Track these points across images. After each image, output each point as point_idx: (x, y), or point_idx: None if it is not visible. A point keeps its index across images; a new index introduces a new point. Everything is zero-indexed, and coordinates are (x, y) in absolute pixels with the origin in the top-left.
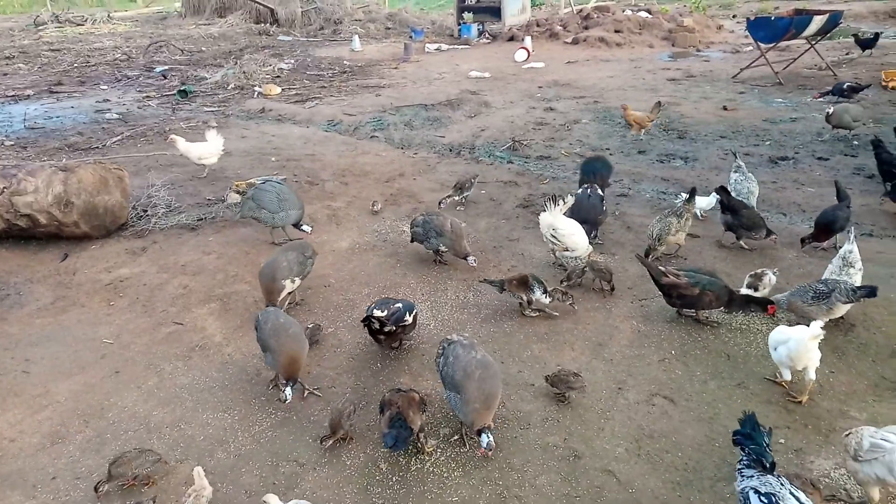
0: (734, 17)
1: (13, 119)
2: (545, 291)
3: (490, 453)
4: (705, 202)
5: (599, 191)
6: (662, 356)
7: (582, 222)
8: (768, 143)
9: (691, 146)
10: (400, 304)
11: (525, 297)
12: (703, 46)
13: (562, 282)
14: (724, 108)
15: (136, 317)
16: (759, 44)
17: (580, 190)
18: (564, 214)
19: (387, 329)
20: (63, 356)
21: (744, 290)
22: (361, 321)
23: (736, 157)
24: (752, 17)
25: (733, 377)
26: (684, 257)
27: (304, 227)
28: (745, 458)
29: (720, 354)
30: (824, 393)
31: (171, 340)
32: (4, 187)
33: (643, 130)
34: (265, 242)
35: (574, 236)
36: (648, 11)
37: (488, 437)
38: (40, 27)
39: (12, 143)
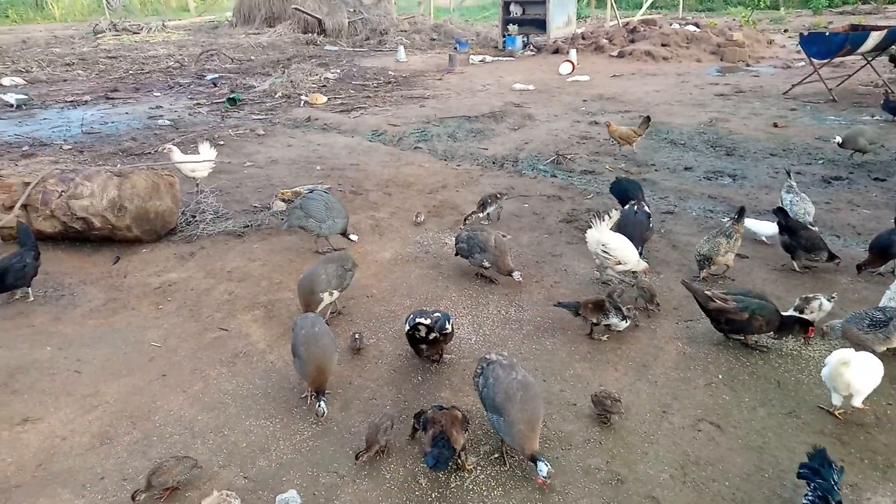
0: (786, 31)
1: (71, 124)
2: (624, 317)
3: (549, 482)
4: (768, 229)
5: (646, 208)
6: (709, 380)
7: (628, 239)
8: (821, 161)
9: (740, 163)
10: (439, 314)
11: (598, 321)
12: (753, 61)
13: None
14: (775, 125)
15: (183, 321)
16: (812, 59)
17: (626, 206)
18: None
19: (431, 337)
20: (113, 358)
21: (790, 313)
22: (406, 333)
23: (789, 176)
24: (806, 33)
25: (784, 405)
26: (732, 278)
27: (352, 237)
28: (810, 493)
29: (770, 381)
30: (881, 426)
31: (217, 346)
32: (63, 191)
33: (634, 145)
34: (309, 251)
35: (625, 250)
36: (696, 25)
37: (547, 466)
38: (99, 35)
39: (70, 146)
